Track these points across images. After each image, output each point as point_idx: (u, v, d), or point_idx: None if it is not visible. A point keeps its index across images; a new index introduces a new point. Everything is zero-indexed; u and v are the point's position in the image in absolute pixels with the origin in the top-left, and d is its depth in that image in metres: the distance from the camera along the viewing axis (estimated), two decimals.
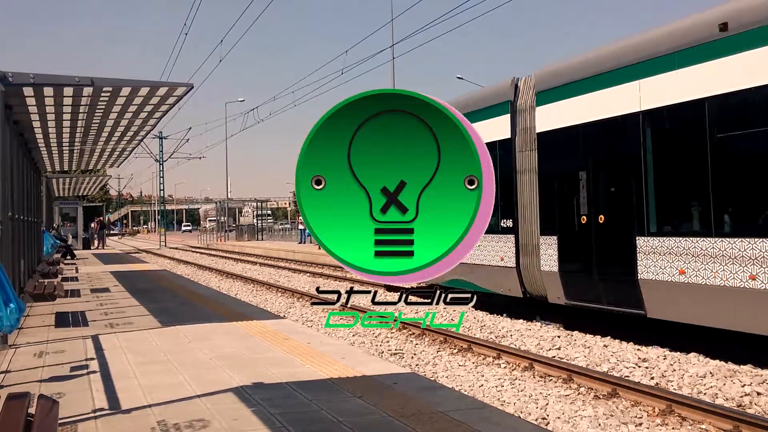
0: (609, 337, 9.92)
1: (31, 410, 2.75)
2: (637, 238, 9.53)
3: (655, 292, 9.25)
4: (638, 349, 9.06)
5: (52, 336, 9.04)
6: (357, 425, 4.88)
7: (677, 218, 9.40)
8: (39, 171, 21.39)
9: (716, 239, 8.44)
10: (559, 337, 10.16)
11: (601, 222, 10.35)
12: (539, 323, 11.53)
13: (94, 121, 12.74)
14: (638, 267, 9.45)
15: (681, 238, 8.91)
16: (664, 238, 9.15)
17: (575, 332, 10.40)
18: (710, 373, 7.70)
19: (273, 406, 5.40)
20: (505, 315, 12.37)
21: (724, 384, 7.30)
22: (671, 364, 8.21)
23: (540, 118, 11.54)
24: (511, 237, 12.22)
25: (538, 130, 11.58)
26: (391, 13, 48.75)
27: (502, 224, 12.39)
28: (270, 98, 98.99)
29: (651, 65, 9.32)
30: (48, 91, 9.76)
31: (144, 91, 10.15)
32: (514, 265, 12.18)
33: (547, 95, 11.38)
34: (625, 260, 9.70)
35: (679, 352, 8.73)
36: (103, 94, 10.23)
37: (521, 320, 11.68)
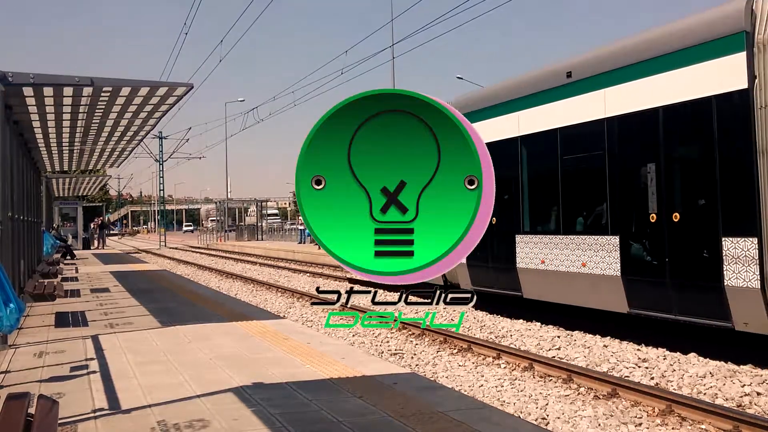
0: (609, 337, 9.92)
1: (31, 410, 2.75)
2: (516, 235, 11.99)
3: (527, 277, 11.79)
4: (638, 350, 9.06)
5: (52, 336, 9.04)
6: (357, 425, 4.88)
7: (540, 220, 11.86)
8: (39, 171, 21.38)
9: (562, 236, 10.97)
10: (559, 337, 10.17)
11: (494, 223, 12.73)
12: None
13: (94, 121, 12.74)
14: (516, 258, 11.94)
15: (542, 236, 11.47)
16: (532, 236, 11.72)
17: (575, 332, 10.40)
18: (710, 373, 7.70)
19: (273, 406, 5.40)
20: (505, 315, 12.39)
21: (724, 384, 7.30)
22: (671, 365, 8.21)
23: None
24: None
25: None
26: (391, 13, 48.78)
27: None
28: (270, 98, 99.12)
29: (525, 101, 11.88)
30: (48, 91, 9.75)
31: (144, 91, 10.14)
32: None
33: None
34: (508, 253, 12.13)
35: (679, 353, 8.74)
36: (103, 94, 10.23)
37: (521, 320, 11.69)
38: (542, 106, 11.39)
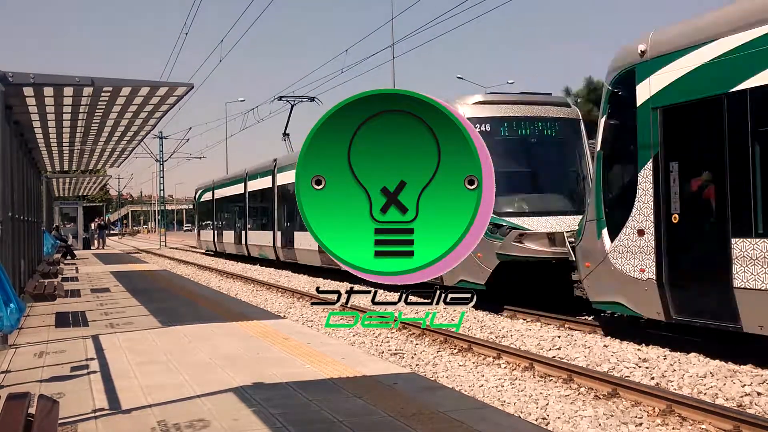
0: (609, 337, 9.92)
1: (31, 410, 2.75)
2: None
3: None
4: (638, 349, 9.05)
5: (52, 336, 9.04)
6: (357, 425, 4.88)
7: None
8: (39, 171, 21.38)
9: None
10: (559, 337, 10.16)
11: None
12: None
13: (94, 121, 12.74)
14: None
15: None
16: None
17: (575, 332, 10.40)
18: (710, 373, 7.70)
19: (273, 406, 5.40)
20: (505, 315, 12.38)
21: (725, 384, 7.30)
22: (671, 364, 8.21)
23: None
24: None
25: None
26: (391, 13, 48.74)
27: None
28: (270, 98, 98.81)
29: None
30: (48, 91, 9.75)
31: (144, 91, 10.13)
32: None
33: None
34: None
35: (679, 352, 8.73)
36: (103, 94, 10.22)
37: (521, 320, 11.68)
38: None
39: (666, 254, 8.59)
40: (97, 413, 5.32)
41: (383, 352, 9.92)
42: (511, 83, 73.79)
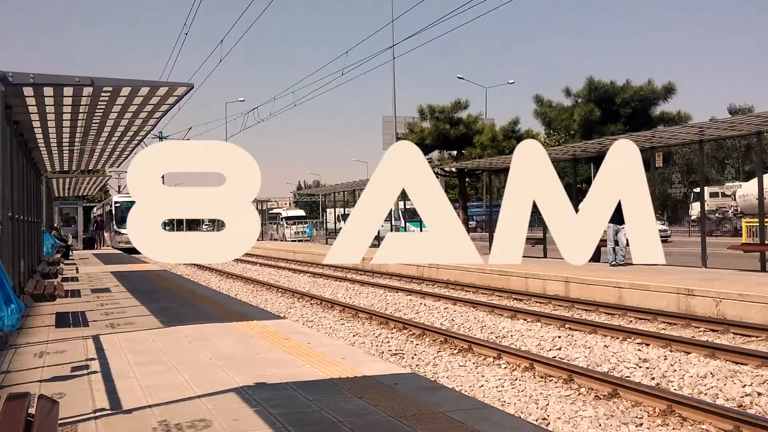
0: (609, 337, 9.92)
1: (31, 410, 2.75)
2: None
3: None
4: (639, 350, 9.06)
5: (52, 336, 9.04)
6: (357, 425, 4.87)
7: None
8: (39, 171, 21.37)
9: None
10: (559, 337, 10.16)
11: None
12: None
13: (94, 121, 12.72)
14: None
15: None
16: None
17: (576, 332, 10.40)
18: (711, 373, 7.70)
19: (273, 406, 5.39)
20: (505, 315, 12.38)
21: (725, 384, 7.30)
22: (672, 365, 8.21)
23: None
24: None
25: None
26: (391, 14, 48.72)
27: None
28: (270, 98, 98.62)
29: None
30: (48, 91, 9.73)
31: (144, 91, 10.11)
32: None
33: None
34: None
35: (679, 353, 8.74)
36: (103, 94, 10.20)
37: (521, 320, 11.68)
38: None
39: None
40: (98, 413, 5.31)
41: (383, 352, 9.92)
42: (512, 83, 73.83)
